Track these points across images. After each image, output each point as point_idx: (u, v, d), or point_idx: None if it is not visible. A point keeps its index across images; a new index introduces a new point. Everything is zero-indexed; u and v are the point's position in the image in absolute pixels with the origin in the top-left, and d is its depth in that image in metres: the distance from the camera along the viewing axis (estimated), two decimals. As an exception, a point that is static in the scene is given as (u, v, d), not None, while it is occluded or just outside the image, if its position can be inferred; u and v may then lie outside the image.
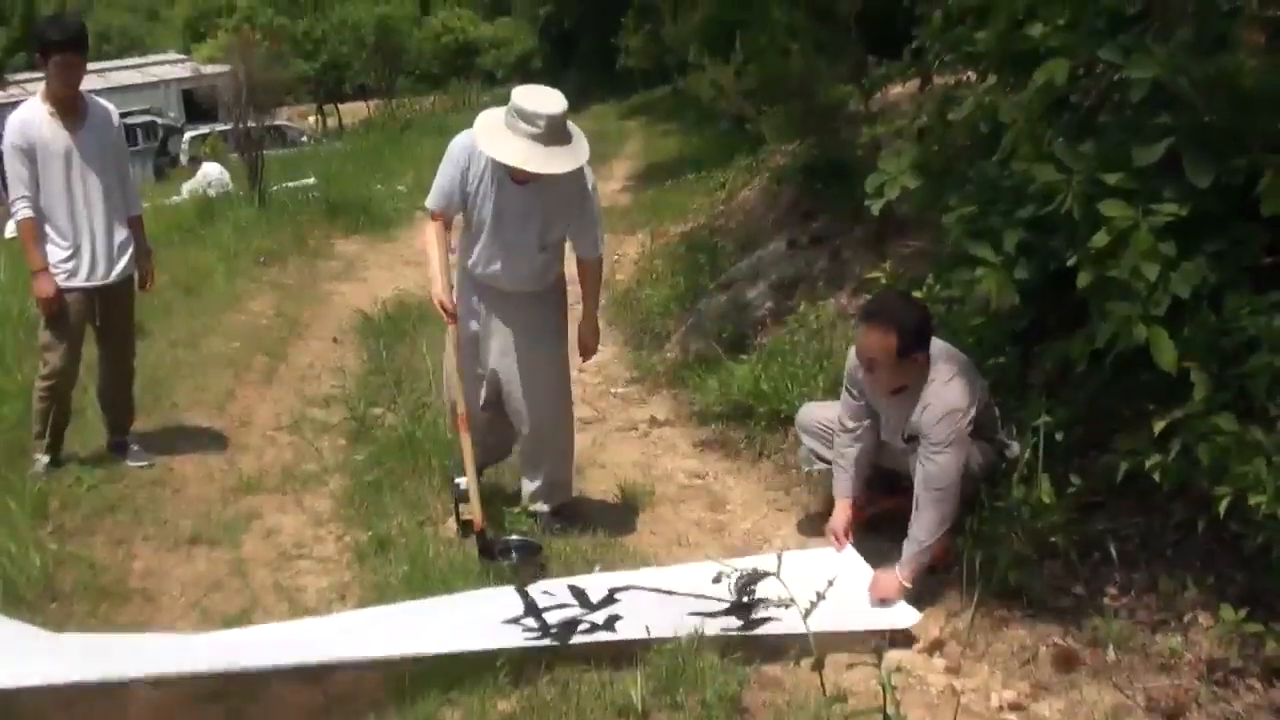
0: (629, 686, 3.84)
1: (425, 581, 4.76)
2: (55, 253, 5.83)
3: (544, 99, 4.83)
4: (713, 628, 4.21)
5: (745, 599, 4.37)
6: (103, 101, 6.14)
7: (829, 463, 5.20)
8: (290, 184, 16.51)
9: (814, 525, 5.37)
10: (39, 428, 6.03)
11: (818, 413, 5.28)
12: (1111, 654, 4.03)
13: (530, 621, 4.27)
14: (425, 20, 54.50)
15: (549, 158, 4.79)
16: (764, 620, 4.26)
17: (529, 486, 5.47)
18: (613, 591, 4.55)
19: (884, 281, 6.21)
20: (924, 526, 4.48)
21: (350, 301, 10.35)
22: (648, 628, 4.12)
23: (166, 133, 30.78)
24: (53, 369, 5.94)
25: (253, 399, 7.65)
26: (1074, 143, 4.05)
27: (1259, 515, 3.63)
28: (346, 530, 5.52)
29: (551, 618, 4.30)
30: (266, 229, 12.97)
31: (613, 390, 7.89)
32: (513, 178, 4.94)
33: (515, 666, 4.00)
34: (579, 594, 4.53)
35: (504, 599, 4.50)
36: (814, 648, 3.23)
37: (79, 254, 5.86)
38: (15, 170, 5.76)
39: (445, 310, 5.06)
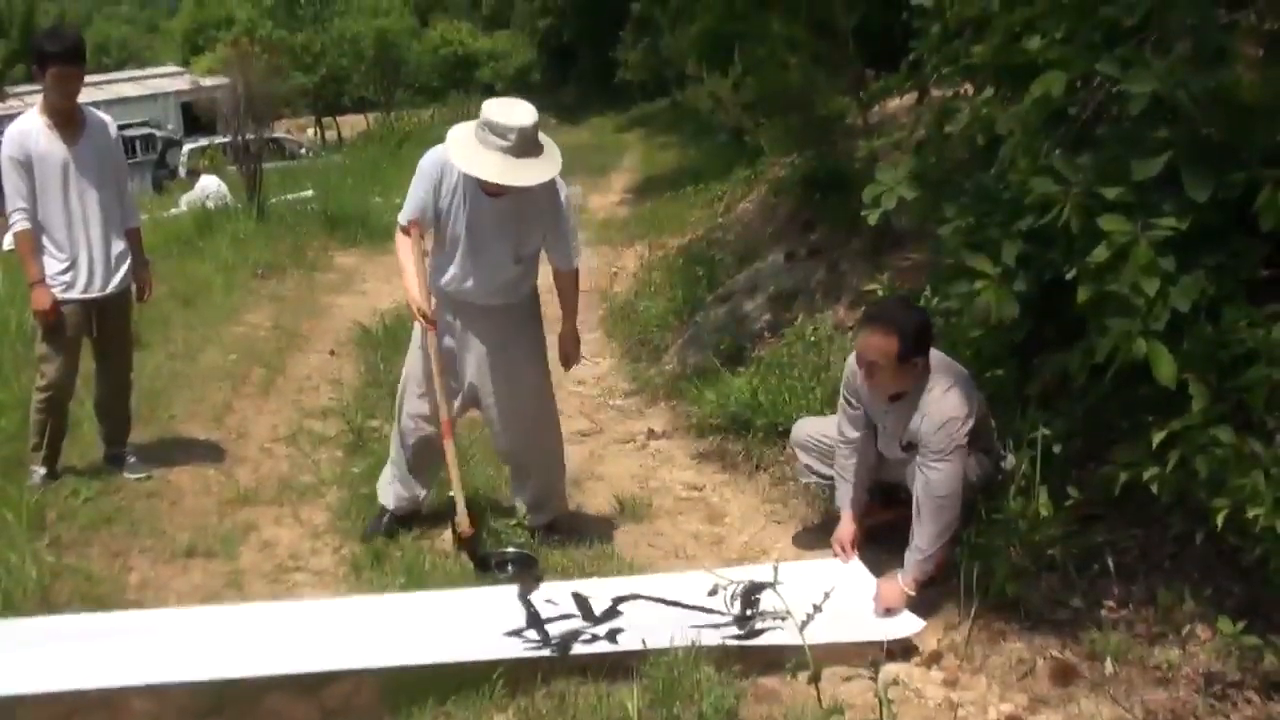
0: (625, 699, 3.83)
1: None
2: (52, 265, 5.83)
3: (514, 111, 4.82)
4: (713, 638, 4.20)
5: (749, 611, 4.36)
6: (100, 113, 6.14)
7: (824, 478, 5.20)
8: (289, 196, 16.55)
9: (812, 538, 5.37)
10: (36, 439, 6.03)
11: (812, 428, 5.27)
12: (1109, 667, 4.02)
13: (532, 634, 4.27)
14: (424, 33, 54.60)
15: (521, 170, 4.78)
16: (765, 631, 4.25)
17: (520, 502, 5.45)
18: (616, 602, 4.55)
19: (881, 294, 6.22)
20: (926, 535, 4.47)
21: (348, 314, 10.34)
22: (644, 640, 4.11)
23: (165, 145, 30.73)
24: (50, 381, 5.94)
25: (250, 411, 7.64)
26: (1071, 155, 4.05)
27: (1257, 528, 3.62)
28: (343, 542, 5.51)
29: (554, 629, 4.30)
30: (265, 241, 12.99)
31: (610, 402, 7.89)
32: (485, 191, 4.92)
33: (512, 677, 3.98)
34: (582, 603, 4.53)
35: (506, 606, 4.51)
36: (810, 660, 3.22)
37: (76, 266, 5.86)
38: (13, 182, 5.76)
39: (425, 317, 5.03)
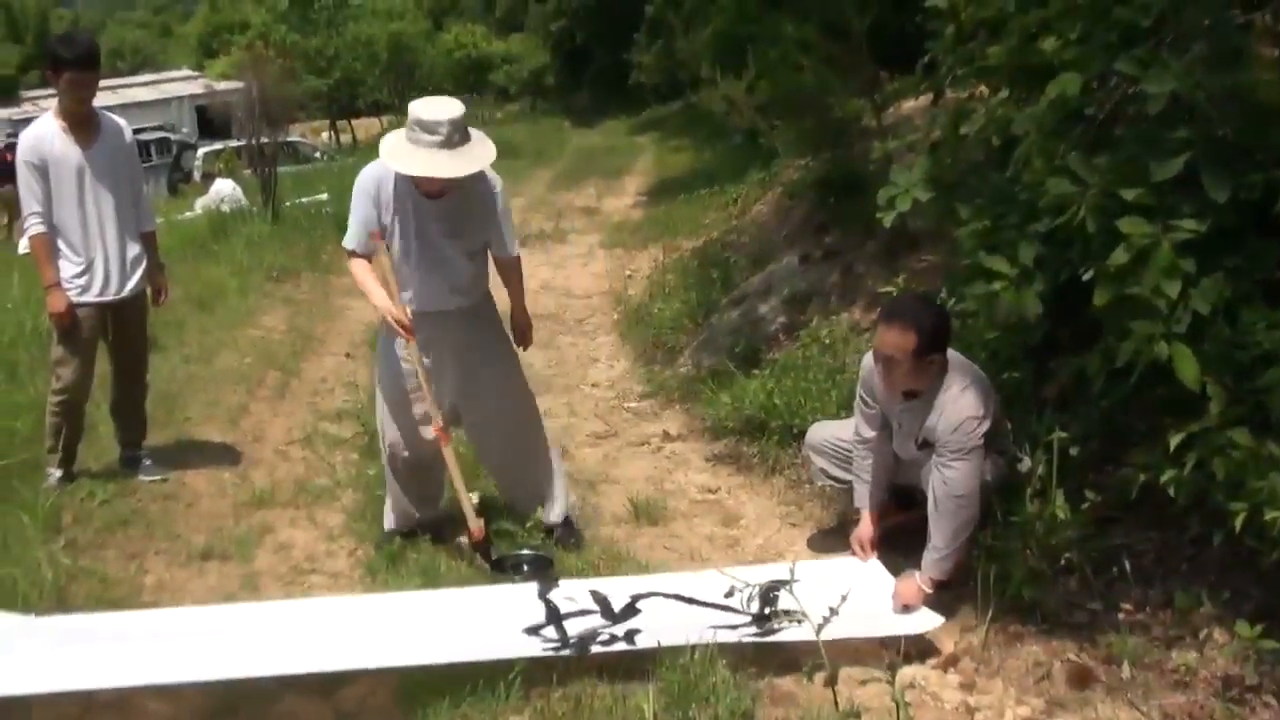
0: (642, 701, 3.83)
1: (437, 596, 4.75)
2: (68, 268, 5.85)
3: (441, 106, 4.85)
4: (730, 638, 4.20)
5: (767, 609, 4.36)
6: (115, 118, 6.15)
7: (839, 481, 5.19)
8: (303, 200, 16.59)
9: (827, 540, 5.36)
10: (51, 442, 6.05)
11: (827, 432, 5.27)
12: (1126, 670, 4.01)
13: (551, 631, 4.29)
14: (438, 36, 54.64)
15: (457, 160, 4.79)
16: (783, 629, 4.25)
17: (530, 506, 5.47)
18: (635, 599, 4.55)
19: (889, 301, 6.20)
20: (944, 534, 4.46)
21: (362, 316, 10.35)
22: (660, 642, 4.11)
23: (180, 149, 30.84)
24: (65, 384, 5.95)
25: (265, 414, 7.66)
26: (1088, 156, 4.04)
27: (1275, 530, 3.60)
28: (359, 545, 5.52)
29: (572, 627, 4.31)
30: (279, 244, 13.03)
31: (625, 405, 7.89)
32: (426, 194, 4.94)
33: (528, 679, 3.99)
34: (601, 600, 4.54)
35: (526, 603, 4.52)
36: (826, 661, 3.22)
37: (92, 269, 5.88)
38: (28, 186, 5.78)
39: (402, 326, 4.94)
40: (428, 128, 4.73)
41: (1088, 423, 4.63)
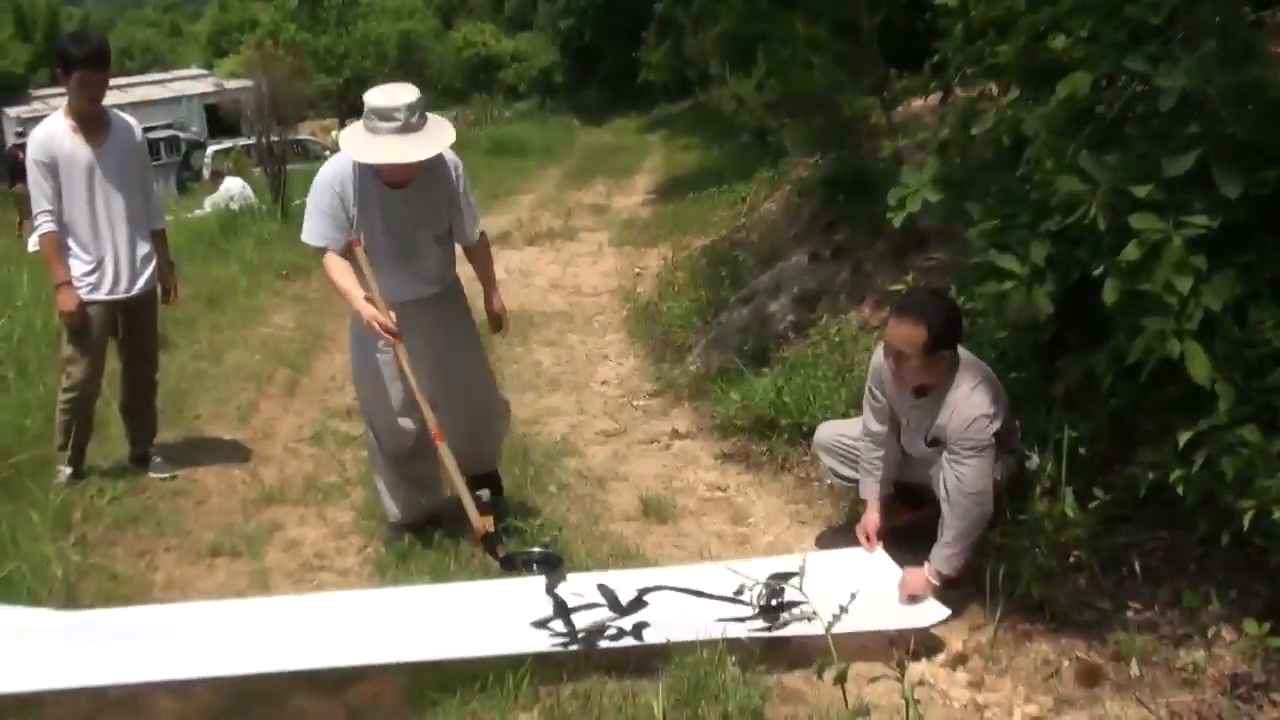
0: (651, 699, 3.84)
1: (446, 594, 4.76)
2: (78, 266, 5.86)
3: (395, 93, 4.85)
4: (738, 631, 4.21)
5: (774, 602, 4.36)
6: (125, 116, 6.17)
7: (848, 480, 5.20)
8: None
9: (836, 538, 5.36)
10: (61, 440, 6.07)
11: (836, 430, 5.27)
12: (1135, 668, 4.01)
13: (559, 625, 4.29)
14: (447, 35, 54.71)
15: (418, 143, 4.80)
16: (790, 622, 4.25)
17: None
18: (641, 593, 4.55)
19: (901, 295, 6.19)
20: (955, 530, 4.46)
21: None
22: (669, 639, 4.12)
23: (189, 147, 30.95)
24: (75, 382, 5.97)
25: (275, 411, 7.68)
26: (1098, 155, 4.03)
27: (1283, 529, 3.61)
28: (368, 542, 5.53)
29: (580, 620, 4.31)
30: (289, 243, 13.01)
31: (634, 403, 7.89)
32: (389, 183, 4.93)
33: (537, 675, 4.00)
34: (608, 594, 4.53)
35: (533, 597, 4.52)
36: (835, 656, 3.22)
37: (102, 268, 5.90)
38: (38, 185, 5.79)
39: (387, 330, 4.88)
40: (384, 115, 4.73)
41: (1096, 421, 4.62)
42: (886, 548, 4.90)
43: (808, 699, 4.00)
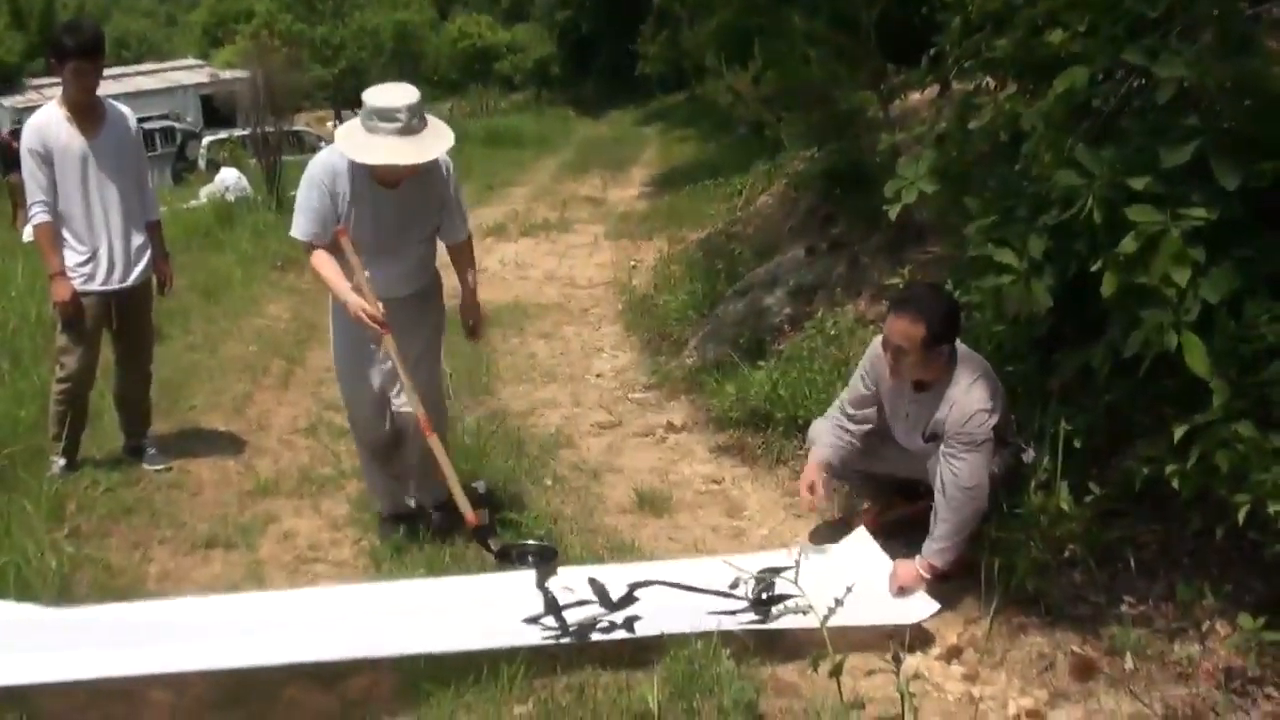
0: (645, 691, 3.84)
1: (441, 586, 4.75)
2: (72, 257, 5.85)
3: (397, 93, 4.80)
4: (730, 625, 4.22)
5: (765, 595, 4.36)
6: (120, 106, 6.16)
7: (842, 476, 5.20)
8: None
9: (832, 532, 5.35)
10: (56, 430, 6.06)
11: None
12: (1129, 662, 4.01)
13: (550, 620, 4.28)
14: (443, 26, 54.64)
15: (420, 145, 4.74)
16: (782, 615, 4.25)
17: (430, 497, 5.39)
18: (632, 588, 4.55)
19: (900, 289, 6.19)
20: (949, 525, 4.46)
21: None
22: (664, 632, 4.12)
23: (185, 138, 30.85)
24: (69, 372, 5.96)
25: (270, 403, 7.68)
26: (1095, 148, 4.03)
27: (1277, 524, 3.61)
28: (363, 535, 5.52)
29: (571, 616, 4.30)
30: (284, 234, 12.91)
31: (630, 395, 7.89)
32: (381, 182, 4.87)
33: (531, 668, 4.00)
34: (599, 589, 4.53)
35: (524, 592, 4.51)
36: (830, 649, 3.22)
37: (96, 258, 5.88)
38: (33, 175, 5.77)
39: (375, 321, 4.83)
40: (385, 115, 4.68)
41: (1092, 416, 4.62)
42: (880, 540, 4.90)
43: (802, 692, 4.00)
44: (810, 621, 3.40)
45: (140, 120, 6.63)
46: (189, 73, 40.01)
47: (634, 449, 6.85)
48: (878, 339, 4.81)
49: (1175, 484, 3.97)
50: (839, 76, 9.17)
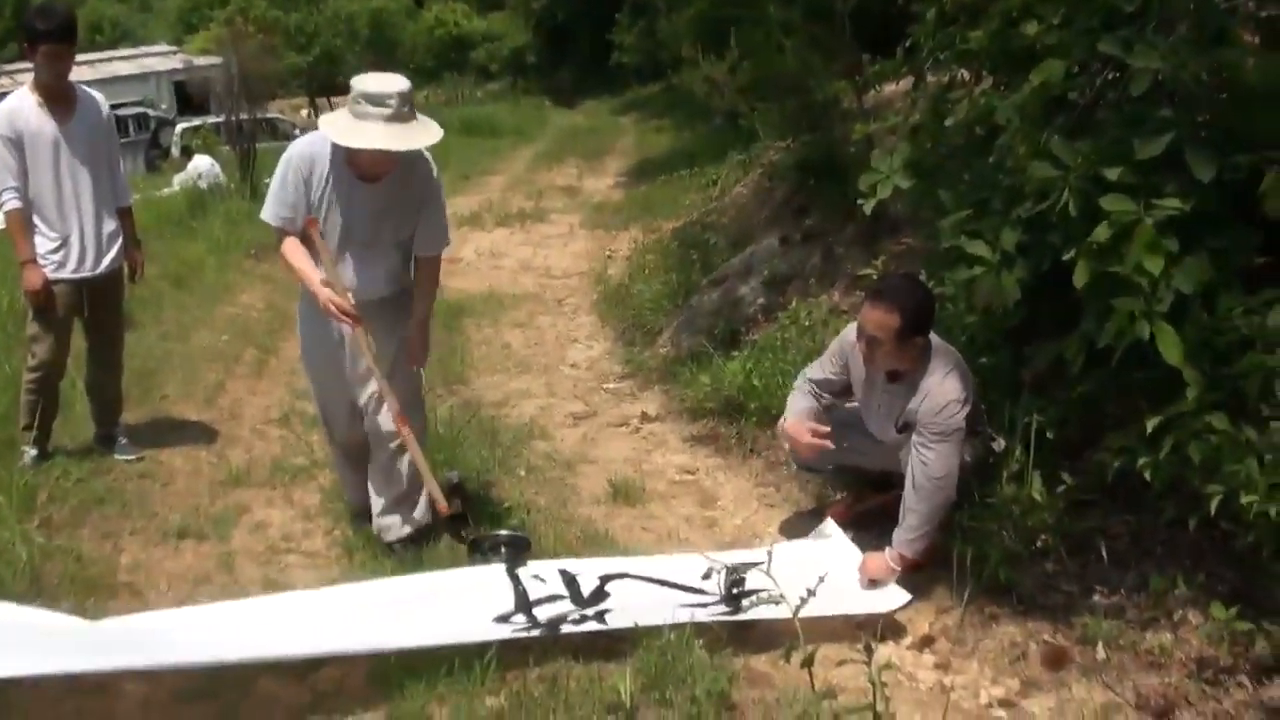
0: (618, 682, 3.84)
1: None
2: (43, 244, 5.80)
3: (388, 80, 4.66)
4: (701, 617, 4.22)
5: (735, 590, 4.36)
6: (92, 92, 6.10)
7: (813, 469, 5.21)
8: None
9: (805, 522, 5.36)
10: (27, 420, 6.01)
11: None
12: (1101, 651, 4.03)
13: (520, 619, 4.25)
14: (419, 13, 54.47)
15: (408, 133, 4.60)
16: (754, 607, 4.25)
17: (380, 505, 5.16)
18: (604, 581, 4.54)
19: (876, 279, 6.20)
20: (919, 514, 4.48)
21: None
22: (636, 623, 4.12)
23: (158, 125, 30.67)
24: (41, 361, 5.91)
25: (242, 392, 7.64)
26: (1071, 141, 4.04)
27: (1250, 514, 3.62)
28: (335, 525, 5.50)
29: (542, 613, 4.28)
30: (257, 222, 12.87)
31: (604, 386, 7.89)
32: (361, 176, 4.74)
33: (503, 660, 3.99)
34: (570, 582, 4.51)
35: (495, 586, 4.48)
36: (802, 640, 3.22)
37: (67, 245, 5.83)
38: (3, 160, 5.70)
39: (345, 313, 4.72)
40: (375, 100, 4.54)
41: (1065, 407, 4.64)
42: (852, 530, 4.92)
43: (775, 682, 4.01)
44: (782, 612, 3.40)
45: (114, 106, 6.59)
46: (163, 59, 39.76)
47: (608, 439, 6.85)
48: (850, 327, 4.82)
49: (1148, 475, 3.99)
50: (814, 67, 9.16)
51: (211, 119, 21.81)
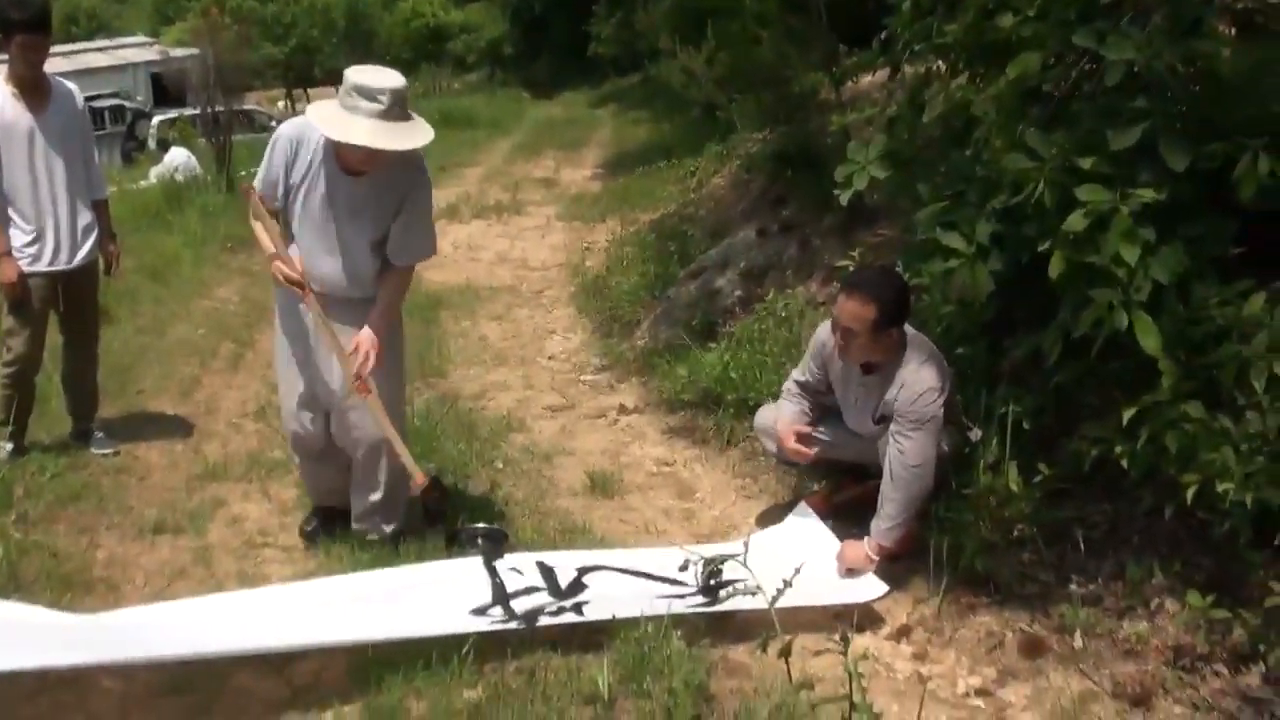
0: (596, 674, 3.85)
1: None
2: (18, 237, 5.76)
3: (384, 74, 4.50)
4: (679, 608, 4.23)
5: (712, 581, 4.37)
6: (67, 83, 6.06)
7: (789, 463, 5.21)
8: (258, 169, 16.46)
9: (782, 513, 5.36)
10: (2, 415, 5.98)
11: (775, 414, 5.27)
12: (1078, 640, 4.05)
13: (497, 612, 4.25)
14: (395, 4, 54.29)
15: (396, 133, 4.41)
16: (731, 598, 4.25)
17: (360, 507, 5.10)
18: (582, 573, 4.54)
19: (852, 271, 6.20)
20: (896, 503, 4.50)
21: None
22: (614, 614, 4.13)
23: (134, 117, 30.48)
24: (16, 355, 5.89)
25: (219, 386, 7.62)
26: (1046, 133, 4.05)
27: (1226, 502, 3.64)
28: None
29: (519, 606, 4.28)
30: (234, 215, 12.88)
31: (582, 378, 7.88)
32: (346, 170, 4.60)
33: (481, 652, 3.99)
34: (547, 574, 4.51)
35: (472, 579, 4.48)
36: (779, 631, 3.22)
37: (42, 238, 5.80)
38: (-23, 152, 5.69)
39: (291, 280, 4.59)
40: (368, 94, 4.37)
41: (1041, 396, 4.65)
42: (830, 522, 4.93)
43: (752, 672, 4.02)
44: (759, 603, 3.40)
45: (90, 98, 6.56)
46: (139, 50, 39.50)
47: (585, 431, 6.85)
48: (822, 326, 4.83)
49: (1125, 464, 4.01)
50: (791, 58, 9.18)
51: (188, 111, 21.68)
